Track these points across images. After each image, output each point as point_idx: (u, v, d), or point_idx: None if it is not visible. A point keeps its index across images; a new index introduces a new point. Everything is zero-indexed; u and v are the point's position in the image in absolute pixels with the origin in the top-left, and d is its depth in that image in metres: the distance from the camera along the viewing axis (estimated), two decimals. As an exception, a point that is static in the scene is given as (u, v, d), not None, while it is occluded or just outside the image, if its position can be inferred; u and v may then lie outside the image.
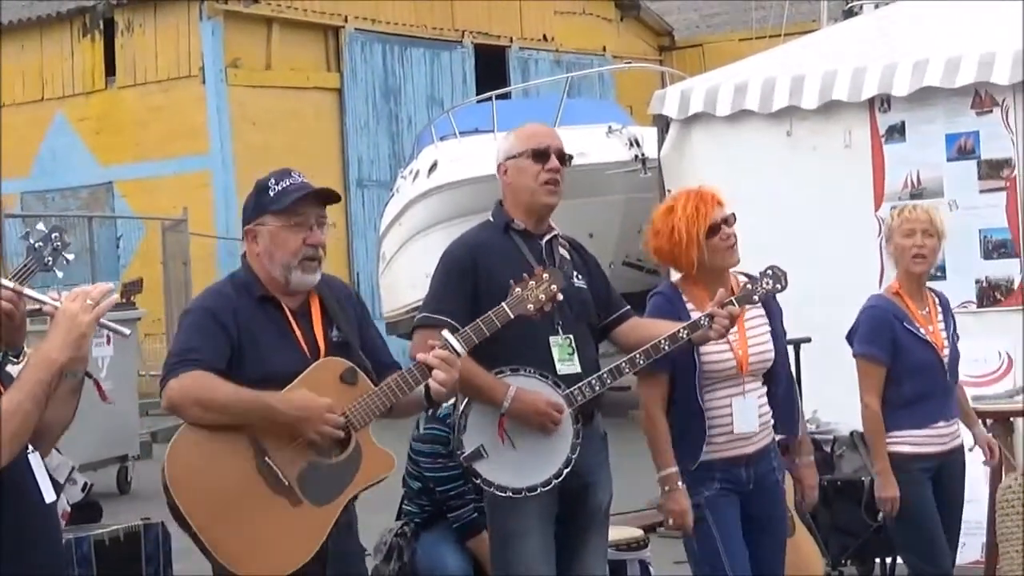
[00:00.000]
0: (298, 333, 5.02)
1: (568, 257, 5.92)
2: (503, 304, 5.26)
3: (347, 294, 5.31)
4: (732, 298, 5.70)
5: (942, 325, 6.81)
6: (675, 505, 5.85)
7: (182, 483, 4.81)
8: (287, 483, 4.84)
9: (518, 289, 5.27)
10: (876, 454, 6.72)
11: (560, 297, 5.35)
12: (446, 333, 5.16)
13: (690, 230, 5.91)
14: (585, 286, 5.89)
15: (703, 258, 5.93)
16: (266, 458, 4.83)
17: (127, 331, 4.48)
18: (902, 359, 6.69)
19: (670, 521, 5.91)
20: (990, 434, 8.06)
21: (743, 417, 5.90)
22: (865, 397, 6.72)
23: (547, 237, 5.88)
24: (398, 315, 20.27)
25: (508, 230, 5.84)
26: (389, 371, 5.11)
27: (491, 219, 5.94)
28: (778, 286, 5.84)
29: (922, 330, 6.72)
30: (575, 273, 5.88)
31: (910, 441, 6.68)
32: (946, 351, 6.75)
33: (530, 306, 5.26)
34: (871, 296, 6.96)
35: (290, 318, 5.03)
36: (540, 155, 5.82)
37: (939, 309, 6.86)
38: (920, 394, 6.69)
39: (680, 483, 5.84)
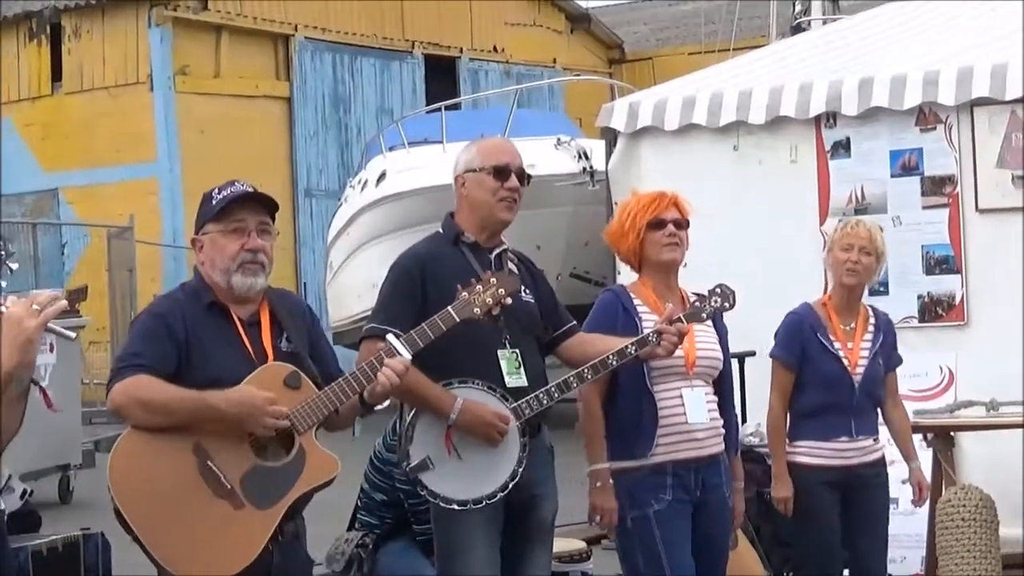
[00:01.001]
0: (246, 341, 5.02)
1: (516, 271, 5.93)
2: (449, 308, 5.27)
3: (299, 306, 5.32)
4: (680, 315, 5.73)
5: (867, 344, 6.87)
6: (604, 502, 5.91)
7: (124, 485, 4.81)
8: (229, 486, 4.83)
9: (465, 293, 5.28)
10: (773, 455, 6.82)
11: (508, 301, 5.35)
12: (391, 337, 5.17)
13: (636, 217, 6.03)
14: (533, 300, 5.90)
15: (639, 248, 6.03)
16: (208, 461, 4.82)
17: (73, 335, 4.49)
18: (809, 369, 6.80)
19: (596, 517, 5.94)
20: (931, 449, 8.15)
21: (694, 407, 5.95)
22: (771, 398, 6.85)
23: (496, 251, 5.89)
24: (345, 325, 20.25)
25: (458, 242, 5.85)
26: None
27: (441, 231, 5.95)
28: (726, 304, 5.89)
29: (837, 344, 6.80)
30: (523, 287, 5.90)
31: (807, 452, 6.78)
32: (860, 370, 6.80)
33: (476, 310, 5.26)
34: (800, 304, 7.04)
35: (239, 326, 5.04)
36: (500, 172, 5.83)
37: (870, 328, 6.92)
38: (822, 406, 6.77)
39: (610, 481, 5.89)
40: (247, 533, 4.84)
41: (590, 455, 5.97)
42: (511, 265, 5.92)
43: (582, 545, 7.53)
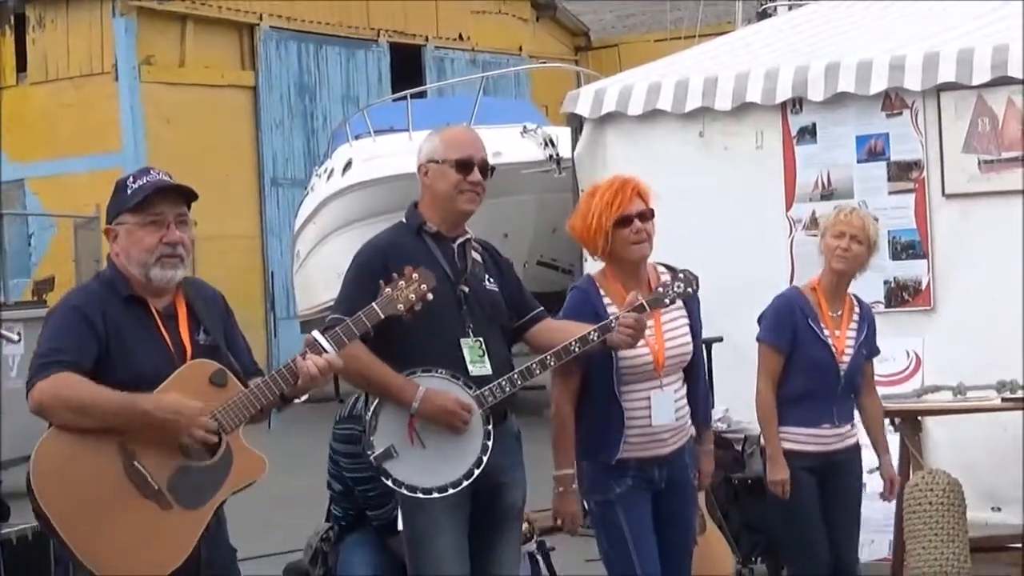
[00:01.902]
0: (165, 334, 4.92)
1: (480, 260, 5.93)
2: (373, 304, 5.19)
3: (213, 297, 5.18)
4: (643, 301, 5.72)
5: (852, 333, 6.87)
6: (568, 507, 5.95)
7: (48, 488, 4.68)
8: (156, 487, 4.73)
9: (388, 289, 5.21)
10: (767, 438, 6.82)
11: (431, 297, 5.29)
12: (316, 333, 5.08)
13: (601, 217, 5.95)
14: (496, 288, 5.90)
15: (609, 247, 5.98)
16: (135, 462, 4.72)
17: (16, 337, 4.42)
18: (797, 354, 6.79)
19: (558, 522, 5.99)
20: (898, 433, 8.18)
21: (660, 410, 5.95)
22: (760, 382, 6.83)
23: (460, 240, 5.89)
24: (312, 314, 20.23)
25: (421, 232, 5.84)
26: (252, 376, 5.03)
27: (404, 220, 5.94)
28: (689, 290, 5.88)
29: (826, 331, 6.80)
30: (487, 276, 5.90)
31: (791, 439, 6.78)
32: (846, 358, 6.81)
33: (400, 306, 5.19)
34: (788, 287, 7.05)
35: (157, 319, 4.93)
36: (463, 166, 5.82)
37: (855, 317, 6.92)
38: (807, 393, 6.77)
39: (574, 485, 5.92)
40: (175, 535, 4.75)
41: (556, 459, 5.98)
42: (475, 254, 5.91)
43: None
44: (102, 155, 24.51)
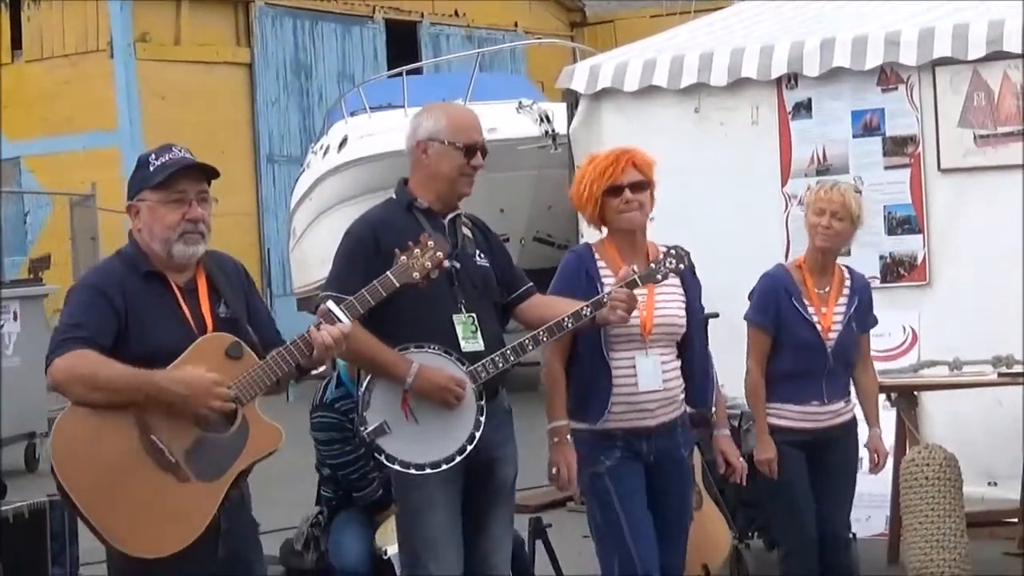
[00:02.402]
0: (185, 309, 4.95)
1: (471, 236, 5.94)
2: (388, 273, 5.20)
3: (235, 269, 5.22)
4: (635, 276, 5.73)
5: (841, 308, 6.84)
6: (561, 458, 5.94)
7: (67, 463, 4.73)
8: (173, 460, 4.76)
9: (403, 257, 5.21)
10: (755, 418, 6.83)
11: (447, 264, 5.32)
12: (331, 304, 5.10)
13: (593, 185, 6.02)
14: (487, 264, 5.91)
15: (599, 215, 6.04)
16: (152, 435, 4.75)
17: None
18: (783, 333, 6.79)
19: (554, 471, 5.96)
20: (895, 408, 8.19)
21: (647, 375, 5.96)
22: (748, 362, 6.86)
23: (450, 216, 5.89)
24: (308, 291, 20.22)
25: (411, 208, 5.84)
26: (275, 346, 5.04)
27: (394, 197, 5.94)
28: (681, 265, 5.89)
29: (810, 309, 6.78)
30: (477, 252, 5.91)
31: (780, 415, 6.80)
32: (833, 335, 6.79)
33: (416, 274, 5.20)
34: (774, 265, 7.04)
35: (177, 294, 4.96)
36: (471, 151, 5.84)
37: (845, 292, 6.89)
38: (795, 371, 6.77)
39: (568, 437, 5.94)
40: (193, 507, 4.79)
41: (550, 413, 6.01)
42: (465, 230, 5.92)
43: None
44: (98, 133, 24.50)
